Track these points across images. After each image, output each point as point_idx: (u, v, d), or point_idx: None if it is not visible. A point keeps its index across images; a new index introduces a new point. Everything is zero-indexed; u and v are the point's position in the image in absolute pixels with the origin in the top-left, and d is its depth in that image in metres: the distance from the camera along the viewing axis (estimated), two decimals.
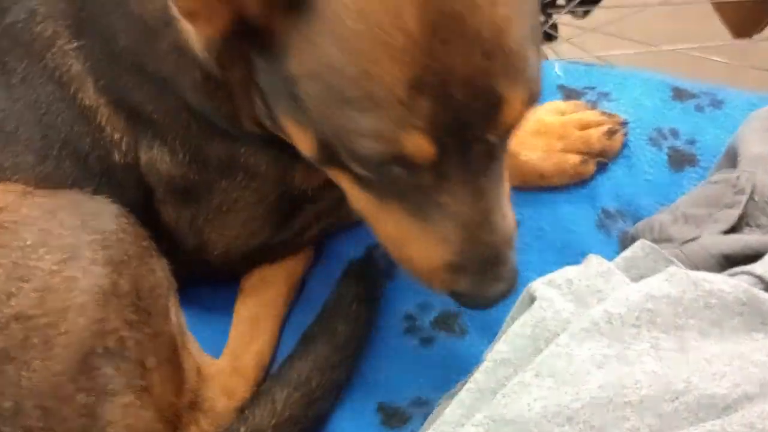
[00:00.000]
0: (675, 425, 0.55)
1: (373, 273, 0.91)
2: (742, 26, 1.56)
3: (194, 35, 0.76)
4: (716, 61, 1.56)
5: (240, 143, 0.85)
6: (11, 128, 0.86)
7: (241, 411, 0.83)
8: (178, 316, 0.85)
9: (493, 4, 0.61)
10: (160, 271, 0.84)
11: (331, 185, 0.83)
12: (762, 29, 1.57)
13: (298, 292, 0.97)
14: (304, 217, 0.93)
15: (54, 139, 0.86)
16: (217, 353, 0.91)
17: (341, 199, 0.91)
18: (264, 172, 0.87)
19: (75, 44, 0.85)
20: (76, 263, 0.79)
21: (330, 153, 0.68)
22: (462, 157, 0.65)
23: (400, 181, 0.67)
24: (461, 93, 0.61)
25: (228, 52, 0.73)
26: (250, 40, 0.68)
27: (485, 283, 0.70)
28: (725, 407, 0.55)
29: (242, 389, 0.87)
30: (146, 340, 0.80)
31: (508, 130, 0.67)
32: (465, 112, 0.62)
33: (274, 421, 0.81)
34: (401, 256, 0.74)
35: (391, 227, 0.72)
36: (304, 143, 0.70)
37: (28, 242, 0.79)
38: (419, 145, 0.63)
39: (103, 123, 0.86)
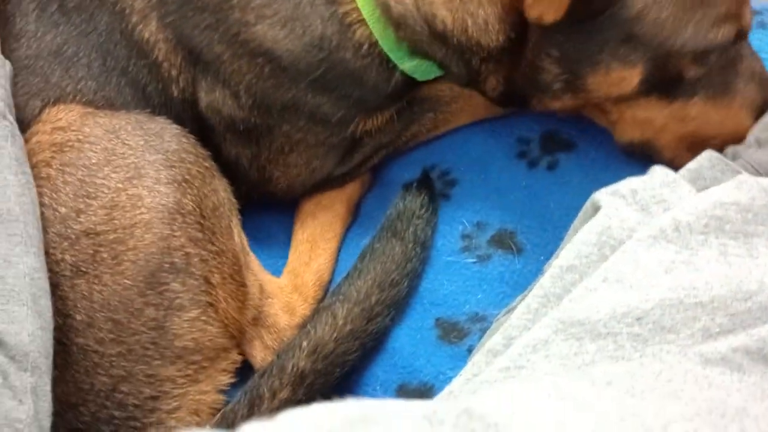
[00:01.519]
0: (748, 324, 0.55)
1: (430, 193, 0.91)
2: None
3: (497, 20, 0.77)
4: None
5: (312, 94, 0.85)
6: (70, 53, 0.87)
7: (303, 326, 0.85)
8: (240, 236, 0.87)
9: None
10: (222, 191, 0.85)
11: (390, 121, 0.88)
12: None
13: (355, 215, 0.98)
14: (364, 151, 0.94)
15: (113, 67, 0.87)
16: (276, 274, 0.93)
17: (400, 130, 0.91)
18: (331, 120, 0.88)
19: None
20: (141, 182, 0.80)
21: (655, 78, 0.77)
22: None
23: (716, 65, 0.78)
24: None
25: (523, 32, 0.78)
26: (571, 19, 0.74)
27: None
28: None
29: (302, 306, 0.89)
30: (211, 258, 0.81)
31: None
32: None
33: (335, 335, 0.82)
34: (704, 136, 0.81)
35: (693, 124, 0.81)
36: (625, 82, 0.78)
37: (93, 161, 0.81)
38: (749, 11, 0.77)
39: (160, 59, 0.86)
